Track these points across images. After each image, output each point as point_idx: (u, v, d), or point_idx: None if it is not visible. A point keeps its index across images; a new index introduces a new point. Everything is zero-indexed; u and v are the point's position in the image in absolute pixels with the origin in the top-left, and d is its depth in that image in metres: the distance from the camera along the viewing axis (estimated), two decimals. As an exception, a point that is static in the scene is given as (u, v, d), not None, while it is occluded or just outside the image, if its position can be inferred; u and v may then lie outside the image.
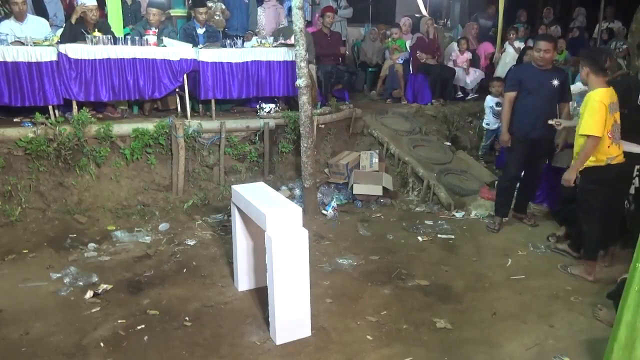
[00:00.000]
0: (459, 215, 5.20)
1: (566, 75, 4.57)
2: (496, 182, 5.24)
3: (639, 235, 1.33)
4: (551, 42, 4.41)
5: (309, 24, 7.44)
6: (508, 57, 7.78)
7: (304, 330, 3.08)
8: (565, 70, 4.81)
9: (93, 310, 3.38)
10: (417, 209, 5.40)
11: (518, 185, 4.87)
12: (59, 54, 4.80)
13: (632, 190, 3.91)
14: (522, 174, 4.81)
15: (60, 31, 5.23)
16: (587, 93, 3.61)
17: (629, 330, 1.37)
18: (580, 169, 3.62)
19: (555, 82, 4.37)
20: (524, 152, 4.58)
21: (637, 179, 3.88)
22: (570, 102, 4.75)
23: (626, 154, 3.88)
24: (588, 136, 3.50)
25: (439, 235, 4.70)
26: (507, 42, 7.98)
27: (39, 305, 3.43)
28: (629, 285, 1.39)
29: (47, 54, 4.77)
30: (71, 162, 4.81)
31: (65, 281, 3.72)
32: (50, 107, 4.91)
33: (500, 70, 7.69)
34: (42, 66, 4.76)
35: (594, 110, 3.47)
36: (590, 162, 3.59)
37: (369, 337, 3.11)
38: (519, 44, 7.78)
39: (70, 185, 4.84)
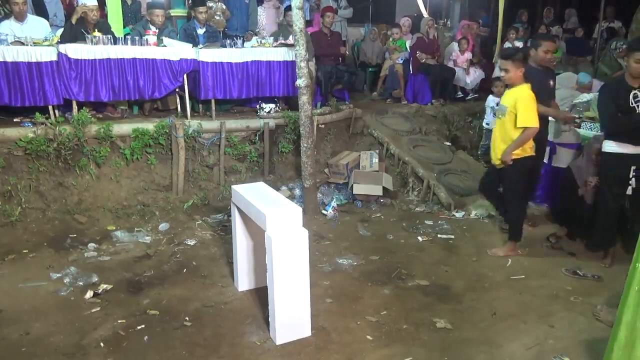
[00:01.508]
0: (459, 215, 5.20)
1: (555, 75, 4.68)
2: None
3: (639, 236, 1.33)
4: (554, 42, 4.50)
5: (308, 23, 7.44)
6: (508, 57, 7.77)
7: (304, 330, 3.08)
8: (553, 70, 4.87)
9: (93, 310, 3.38)
10: (417, 209, 5.40)
11: None
12: (59, 54, 4.80)
13: (629, 191, 3.90)
14: None
15: (60, 31, 5.23)
16: (513, 89, 3.93)
17: (629, 330, 1.37)
18: (512, 160, 3.91)
19: (551, 82, 4.45)
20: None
21: (633, 180, 3.87)
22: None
23: (622, 155, 3.89)
24: (526, 128, 3.82)
25: (439, 235, 4.70)
26: (507, 42, 7.98)
27: (39, 305, 3.44)
28: (629, 286, 1.39)
29: (47, 54, 4.77)
30: (71, 162, 4.81)
31: (65, 281, 3.72)
32: (50, 107, 4.91)
33: (499, 71, 7.68)
34: (42, 66, 4.76)
35: (527, 103, 3.84)
36: (522, 152, 3.92)
37: (369, 337, 3.11)
38: (519, 44, 7.78)
39: (70, 185, 4.84)
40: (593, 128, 5.13)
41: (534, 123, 3.84)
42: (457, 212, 5.25)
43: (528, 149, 3.95)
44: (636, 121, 3.76)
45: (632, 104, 3.74)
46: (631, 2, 8.00)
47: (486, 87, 7.99)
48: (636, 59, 3.70)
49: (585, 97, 5.65)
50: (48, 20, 5.60)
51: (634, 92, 3.73)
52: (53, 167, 4.79)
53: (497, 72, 7.66)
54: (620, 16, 9.41)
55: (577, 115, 4.51)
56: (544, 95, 4.35)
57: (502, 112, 3.98)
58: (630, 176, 3.85)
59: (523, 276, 3.91)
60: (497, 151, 4.03)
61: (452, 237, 4.68)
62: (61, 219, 4.67)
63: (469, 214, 5.22)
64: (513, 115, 3.86)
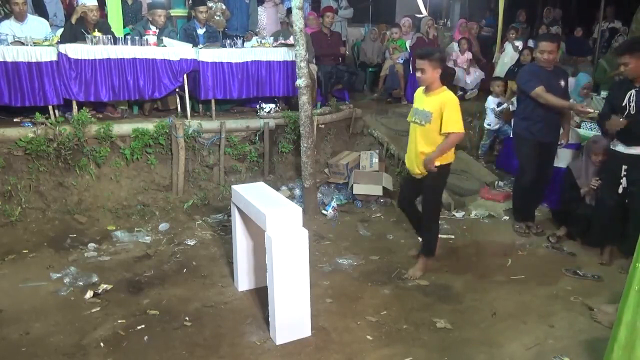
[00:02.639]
0: (459, 215, 5.20)
1: (567, 75, 4.52)
2: (512, 189, 5.15)
3: (639, 236, 1.33)
4: (554, 42, 4.31)
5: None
6: (507, 57, 7.78)
7: (304, 330, 3.08)
8: (565, 70, 4.78)
9: (93, 310, 3.38)
10: (417, 209, 5.39)
11: None
12: (59, 54, 4.80)
13: (620, 190, 3.91)
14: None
15: (60, 31, 5.23)
16: (437, 94, 3.68)
17: (629, 331, 1.37)
18: (436, 167, 3.66)
19: (562, 83, 4.31)
20: (536, 156, 4.48)
21: (624, 179, 3.87)
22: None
23: (615, 153, 3.90)
24: (450, 133, 3.58)
25: (439, 236, 4.69)
26: (506, 42, 7.98)
27: (39, 305, 3.44)
28: (629, 286, 1.39)
29: (47, 54, 4.77)
30: (71, 162, 4.81)
31: (65, 281, 3.72)
32: (50, 107, 4.90)
33: (499, 70, 7.69)
34: (42, 66, 4.75)
35: (456, 108, 3.63)
36: (446, 159, 3.70)
37: (369, 337, 3.11)
38: (518, 44, 7.78)
39: (70, 185, 4.84)
40: (593, 128, 5.13)
41: (461, 129, 3.62)
42: (457, 212, 5.25)
43: (451, 155, 3.73)
44: (622, 114, 3.75)
45: (625, 103, 3.75)
46: (631, 2, 7.99)
47: (486, 87, 8.00)
48: (621, 62, 3.72)
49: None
50: (48, 21, 5.60)
51: (631, 92, 3.73)
52: (53, 167, 4.79)
53: (497, 73, 7.70)
54: (620, 16, 9.41)
55: (591, 110, 4.35)
56: (555, 95, 4.26)
57: (425, 119, 3.65)
58: (622, 175, 3.86)
59: (523, 276, 3.91)
60: (418, 161, 3.72)
61: (452, 237, 4.68)
62: (61, 219, 4.67)
63: (469, 214, 5.22)
64: (439, 122, 3.59)
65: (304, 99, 4.88)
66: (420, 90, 3.85)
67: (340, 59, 7.16)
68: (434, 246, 3.94)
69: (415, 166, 3.79)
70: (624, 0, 9.01)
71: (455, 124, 3.58)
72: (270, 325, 3.07)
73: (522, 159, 4.59)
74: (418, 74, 3.69)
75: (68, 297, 3.55)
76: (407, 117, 3.91)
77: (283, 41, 6.05)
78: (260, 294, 3.45)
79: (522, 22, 9.51)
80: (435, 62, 3.63)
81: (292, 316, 3.01)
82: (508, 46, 7.90)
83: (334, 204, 5.24)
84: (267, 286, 3.01)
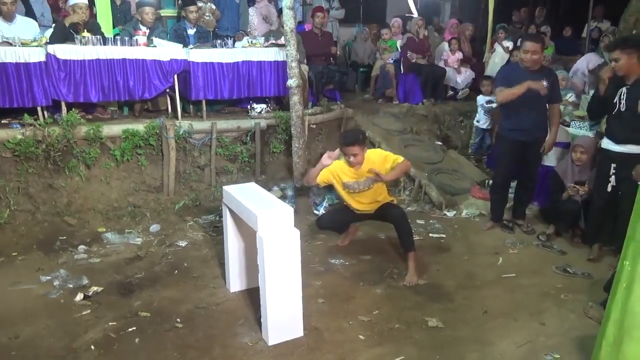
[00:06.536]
0: (450, 214, 5.22)
1: (555, 76, 4.46)
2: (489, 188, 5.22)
3: (627, 234, 1.35)
4: (538, 42, 4.27)
5: (300, 24, 7.44)
6: (497, 57, 7.83)
7: (296, 330, 3.08)
8: (553, 70, 4.77)
9: (83, 313, 3.35)
10: (408, 208, 5.40)
11: (516, 189, 4.84)
12: (48, 55, 4.76)
13: (608, 188, 3.94)
14: (519, 179, 4.77)
15: (49, 31, 5.18)
16: (368, 160, 3.90)
17: (617, 327, 1.39)
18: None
19: (545, 84, 4.24)
20: (513, 156, 4.52)
21: (613, 177, 3.91)
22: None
23: (604, 151, 3.94)
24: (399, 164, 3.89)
25: (430, 235, 4.72)
26: (496, 42, 8.02)
27: (28, 308, 3.40)
28: (617, 283, 1.41)
29: (35, 55, 4.72)
30: (60, 164, 4.77)
31: (55, 284, 3.69)
32: (39, 109, 4.86)
33: (490, 70, 7.73)
34: (30, 67, 4.71)
35: (380, 150, 4.08)
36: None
37: (361, 336, 3.11)
38: (508, 44, 7.83)
39: (59, 187, 4.80)
40: (582, 127, 5.17)
41: (401, 157, 3.96)
42: (448, 211, 5.27)
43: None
44: (613, 111, 3.79)
45: (616, 100, 3.78)
46: (619, 2, 8.06)
47: (477, 87, 8.04)
48: (612, 58, 3.74)
49: None
50: (36, 21, 5.55)
51: (622, 89, 3.76)
52: (42, 168, 4.74)
53: (487, 73, 7.74)
54: (608, 16, 9.48)
55: (544, 84, 4.28)
56: (530, 97, 4.22)
57: (370, 183, 3.94)
58: (610, 173, 3.90)
59: (514, 274, 3.94)
60: (375, 205, 4.07)
61: (444, 236, 4.70)
62: (51, 221, 4.63)
63: (460, 213, 5.24)
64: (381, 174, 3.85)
65: (295, 99, 4.88)
66: (346, 170, 3.97)
67: (332, 59, 7.16)
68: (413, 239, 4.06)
69: (368, 208, 4.09)
70: (612, 0, 9.08)
71: (396, 156, 3.94)
72: (263, 326, 3.06)
73: (498, 157, 4.70)
74: (352, 159, 3.84)
75: (58, 299, 3.52)
76: (345, 199, 4.10)
77: (274, 41, 6.04)
78: (252, 295, 3.44)
79: (515, 22, 9.55)
80: (363, 144, 3.88)
81: (284, 317, 3.01)
82: (498, 46, 7.95)
83: (325, 204, 5.24)
84: (259, 287, 3.01)
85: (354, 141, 3.79)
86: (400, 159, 3.93)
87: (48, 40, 4.90)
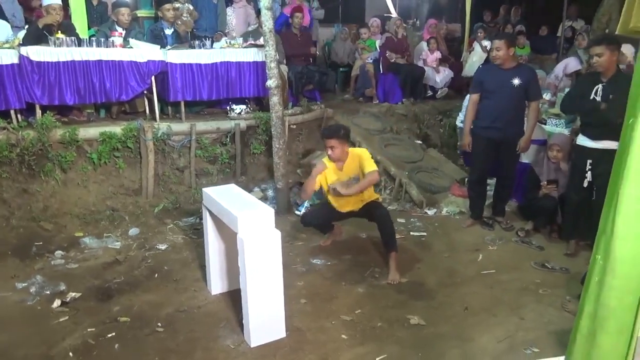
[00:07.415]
0: (430, 212, 5.26)
1: (532, 73, 4.52)
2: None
3: (599, 229, 1.38)
4: (501, 39, 4.36)
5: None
6: (475, 57, 7.93)
7: (278, 331, 3.07)
8: (531, 68, 4.84)
9: (61, 320, 3.29)
10: (389, 207, 5.42)
11: (495, 187, 4.90)
12: (21, 57, 4.66)
13: (585, 184, 4.02)
14: (497, 176, 4.83)
15: (22, 33, 5.08)
16: (349, 159, 3.97)
17: (591, 320, 1.41)
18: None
19: (516, 81, 4.32)
20: (487, 153, 4.59)
21: (589, 173, 3.98)
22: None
23: (579, 148, 4.02)
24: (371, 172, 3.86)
25: (411, 233, 4.75)
26: (475, 42, 8.12)
27: (4, 316, 3.32)
28: (590, 277, 1.43)
29: (7, 57, 4.63)
30: (35, 168, 4.67)
31: (31, 290, 3.61)
32: (12, 112, 4.76)
33: (469, 69, 7.83)
34: (2, 69, 4.61)
35: (367, 154, 3.99)
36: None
37: (343, 336, 3.12)
38: (486, 43, 7.92)
39: (35, 191, 4.70)
40: (558, 124, 5.27)
41: (376, 168, 3.94)
42: (429, 209, 5.31)
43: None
44: (589, 108, 3.87)
45: (592, 97, 3.85)
46: (592, 2, 8.24)
47: (455, 86, 8.13)
48: (594, 53, 3.82)
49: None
50: (8, 22, 5.42)
51: (598, 86, 3.83)
52: (16, 173, 4.64)
53: (466, 72, 7.83)
54: (582, 15, 9.67)
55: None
56: (503, 95, 4.36)
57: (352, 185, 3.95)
58: (586, 169, 3.98)
59: (493, 270, 3.99)
60: (358, 205, 4.08)
61: (425, 234, 4.74)
62: (26, 226, 4.53)
63: (440, 211, 5.29)
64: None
65: (274, 100, 4.86)
66: (332, 169, 3.98)
67: (311, 59, 7.16)
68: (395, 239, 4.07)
69: (350, 205, 4.07)
70: (586, 0, 9.27)
71: (372, 165, 3.91)
72: (245, 328, 3.04)
73: (473, 155, 4.77)
74: (329, 152, 3.89)
75: (35, 306, 3.45)
76: (331, 200, 4.09)
77: (253, 42, 6.02)
78: (234, 297, 3.42)
79: (487, 22, 9.68)
80: (344, 140, 3.88)
81: (266, 318, 3.00)
82: (477, 46, 8.05)
83: (306, 204, 5.24)
84: (240, 289, 2.99)
85: (331, 134, 3.86)
86: (374, 168, 3.89)
87: (21, 42, 4.80)
